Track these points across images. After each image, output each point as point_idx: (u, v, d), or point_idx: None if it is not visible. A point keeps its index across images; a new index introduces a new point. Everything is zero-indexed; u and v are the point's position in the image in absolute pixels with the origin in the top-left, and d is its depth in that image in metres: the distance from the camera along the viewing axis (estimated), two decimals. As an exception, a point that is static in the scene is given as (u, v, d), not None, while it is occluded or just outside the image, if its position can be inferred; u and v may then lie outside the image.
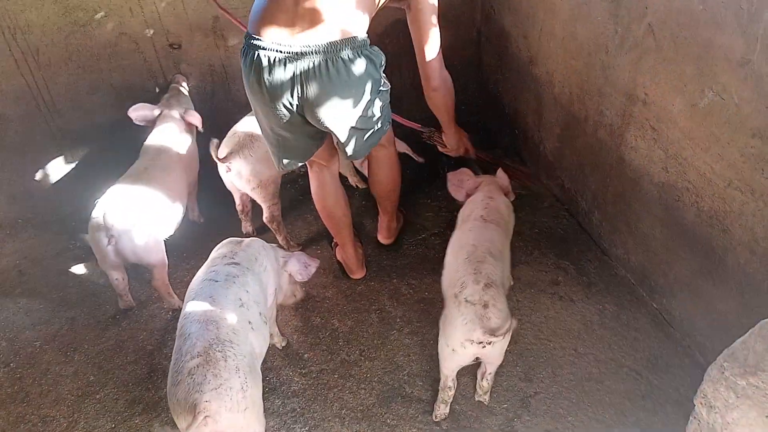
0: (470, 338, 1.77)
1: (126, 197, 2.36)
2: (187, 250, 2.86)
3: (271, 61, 1.84)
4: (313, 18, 1.83)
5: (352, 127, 2.04)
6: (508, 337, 1.84)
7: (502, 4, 3.05)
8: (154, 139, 2.68)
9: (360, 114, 2.01)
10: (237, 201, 2.81)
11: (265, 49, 1.84)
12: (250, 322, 1.80)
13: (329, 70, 1.86)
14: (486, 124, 3.55)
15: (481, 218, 2.15)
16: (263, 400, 2.11)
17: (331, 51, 1.84)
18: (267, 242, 2.19)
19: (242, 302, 1.82)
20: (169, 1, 2.81)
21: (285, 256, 2.20)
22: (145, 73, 2.96)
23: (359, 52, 1.89)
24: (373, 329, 2.41)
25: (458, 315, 1.81)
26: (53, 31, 2.72)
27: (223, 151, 2.54)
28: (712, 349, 2.08)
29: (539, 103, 2.89)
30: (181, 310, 2.49)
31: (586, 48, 2.40)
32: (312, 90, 1.88)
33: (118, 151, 2.66)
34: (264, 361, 2.26)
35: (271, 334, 2.24)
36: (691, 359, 2.19)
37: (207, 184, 2.97)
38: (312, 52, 1.83)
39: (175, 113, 2.75)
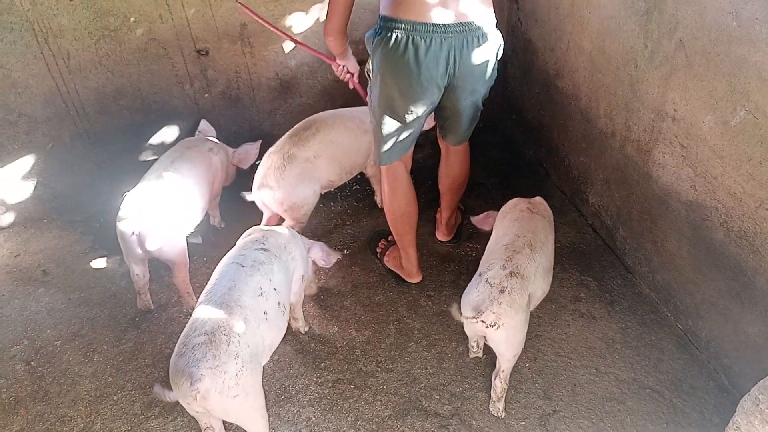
0: (474, 314, 1.87)
1: (154, 192, 2.41)
2: (208, 255, 2.88)
3: (427, 42, 1.95)
4: None
5: (475, 107, 2.24)
6: (513, 338, 1.93)
7: (529, 16, 3.03)
8: (187, 138, 2.77)
9: (484, 93, 2.21)
10: (265, 219, 2.77)
11: (422, 31, 1.94)
12: (265, 313, 1.85)
13: (479, 46, 2.02)
14: (510, 136, 3.53)
15: (527, 209, 2.22)
16: (279, 408, 2.14)
17: (478, 28, 2.00)
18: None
19: (262, 291, 1.88)
20: (198, 8, 2.85)
21: (308, 244, 2.30)
22: (173, 79, 3.00)
23: (493, 30, 2.06)
24: (390, 340, 2.39)
25: (474, 290, 1.92)
26: (84, 36, 2.77)
27: (258, 176, 2.59)
28: (739, 372, 2.04)
29: (565, 117, 2.86)
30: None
31: (615, 62, 2.37)
32: (461, 67, 2.03)
33: (142, 154, 2.69)
34: (280, 368, 2.28)
35: (296, 318, 2.39)
36: (717, 383, 2.13)
37: (228, 189, 2.99)
38: (464, 30, 1.97)
39: (225, 148, 2.88)
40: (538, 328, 2.38)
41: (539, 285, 2.05)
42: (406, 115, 2.15)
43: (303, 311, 2.44)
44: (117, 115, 3.02)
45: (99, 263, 2.87)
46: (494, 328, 1.85)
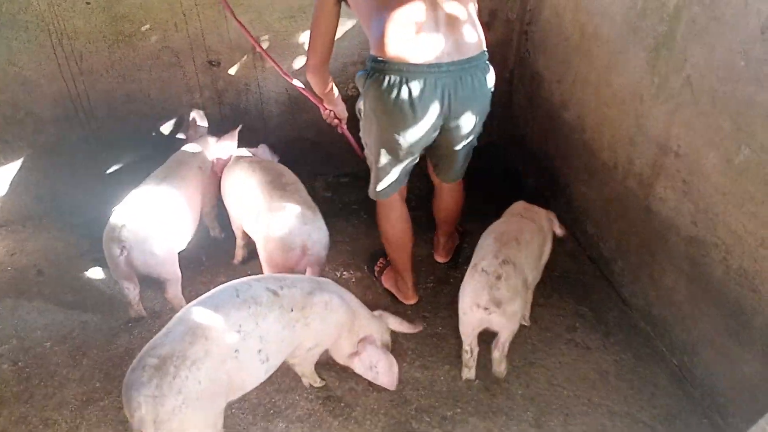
0: (477, 302, 1.99)
1: (143, 209, 2.36)
2: (205, 264, 2.87)
3: (422, 83, 1.92)
4: (456, 35, 1.93)
5: (471, 145, 2.24)
6: (514, 318, 2.05)
7: (538, 48, 3.08)
8: (177, 153, 2.73)
9: (479, 129, 2.19)
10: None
11: (415, 72, 1.91)
12: (236, 351, 1.71)
13: (473, 84, 2.00)
14: (512, 163, 3.55)
15: (518, 215, 2.35)
16: (267, 422, 2.11)
17: (471, 65, 1.98)
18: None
19: (240, 329, 1.74)
20: (212, 19, 2.89)
21: (367, 340, 2.06)
22: (183, 88, 3.02)
23: (487, 66, 2.06)
24: (383, 360, 2.37)
25: (471, 281, 2.03)
26: (98, 39, 2.80)
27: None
28: (734, 412, 2.02)
29: (568, 148, 2.89)
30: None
31: (621, 96, 2.40)
32: (456, 106, 2.01)
33: (147, 160, 2.70)
34: (271, 382, 2.24)
35: (302, 375, 2.23)
36: (710, 421, 2.11)
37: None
38: (458, 68, 1.94)
39: (213, 139, 2.84)
40: (532, 355, 2.37)
41: (529, 273, 2.18)
42: (400, 153, 2.13)
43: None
44: (125, 120, 3.03)
45: (95, 267, 2.86)
46: (497, 313, 1.98)
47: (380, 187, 2.29)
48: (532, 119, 3.26)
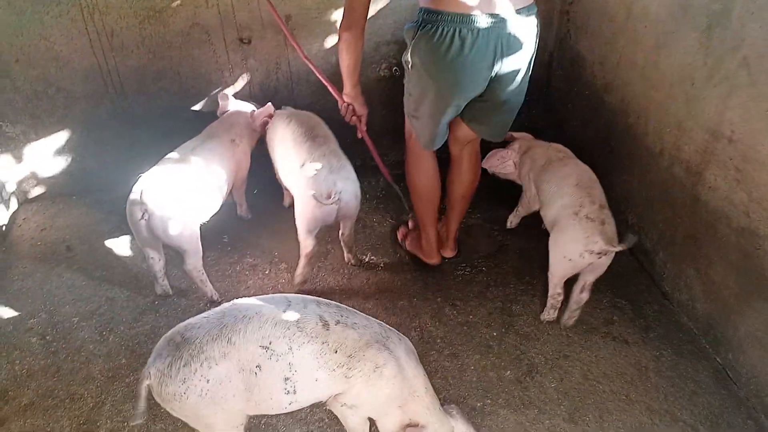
0: (591, 249, 2.09)
1: (168, 176, 2.34)
2: (232, 244, 2.84)
3: (474, 34, 1.90)
4: None
5: (519, 98, 2.20)
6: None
7: (580, 28, 2.95)
8: (212, 126, 2.70)
9: (526, 84, 2.16)
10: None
11: (468, 23, 1.89)
12: (258, 367, 1.56)
13: (524, 35, 1.97)
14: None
15: (561, 158, 2.50)
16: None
17: (523, 16, 1.95)
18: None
19: (269, 347, 1.56)
20: (244, -4, 2.82)
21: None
22: (213, 65, 2.98)
23: (534, 18, 2.01)
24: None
25: (580, 229, 2.13)
26: (129, 15, 2.76)
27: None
28: (784, 414, 1.91)
29: (609, 134, 2.77)
30: (213, 302, 2.48)
31: (669, 78, 2.27)
32: (507, 58, 1.98)
33: (177, 138, 2.66)
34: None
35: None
36: (756, 423, 2.00)
37: (255, 179, 2.95)
38: (509, 20, 1.92)
39: (244, 109, 2.78)
40: (567, 348, 2.28)
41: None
42: (448, 105, 2.11)
43: None
44: (155, 97, 3.00)
45: (123, 244, 2.85)
46: (607, 256, 2.12)
47: (423, 139, 2.28)
48: (572, 104, 3.13)
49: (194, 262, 2.41)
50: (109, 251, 2.82)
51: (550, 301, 2.35)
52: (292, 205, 2.99)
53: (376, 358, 1.61)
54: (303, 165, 2.35)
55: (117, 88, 2.94)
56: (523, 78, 2.11)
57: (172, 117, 3.06)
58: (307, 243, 2.43)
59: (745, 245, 1.98)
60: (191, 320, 1.64)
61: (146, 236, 2.31)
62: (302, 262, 2.48)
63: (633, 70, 2.51)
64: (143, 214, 2.23)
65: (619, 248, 2.05)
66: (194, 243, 2.39)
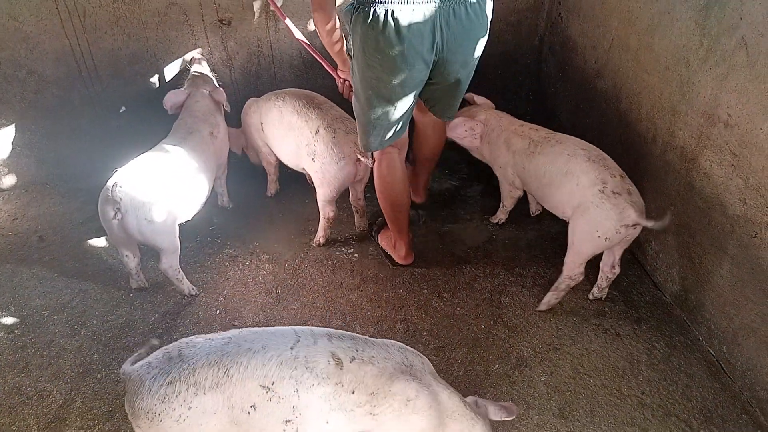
0: (626, 224, 2.03)
1: (144, 173, 2.21)
2: (211, 234, 2.75)
3: (409, 15, 1.79)
4: None
5: (467, 80, 2.08)
6: None
7: (572, 11, 2.86)
8: (183, 119, 2.55)
9: (475, 64, 2.05)
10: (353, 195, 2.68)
11: (402, 3, 1.78)
12: (253, 407, 1.42)
13: (468, 14, 1.86)
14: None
15: (545, 132, 2.41)
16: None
17: None
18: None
19: (271, 388, 1.42)
20: (223, -24, 2.71)
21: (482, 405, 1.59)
22: (191, 47, 2.87)
23: None
24: (396, 340, 2.22)
25: (611, 206, 2.04)
26: (103, -7, 2.64)
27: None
28: (781, 408, 1.85)
29: (601, 119, 2.69)
30: (192, 296, 2.39)
31: (663, 61, 2.19)
32: (449, 40, 1.87)
33: (154, 123, 2.56)
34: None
35: None
36: (751, 417, 1.94)
37: (235, 167, 2.85)
38: None
39: (204, 92, 2.64)
40: (557, 341, 2.21)
41: None
42: (393, 96, 1.97)
43: (311, 306, 2.23)
44: (130, 81, 2.89)
45: (98, 234, 2.73)
46: (640, 225, 2.05)
47: (372, 134, 2.12)
48: (563, 90, 3.05)
49: (170, 261, 2.30)
50: (83, 242, 2.71)
51: (565, 283, 2.24)
52: (275, 194, 2.94)
53: (405, 392, 1.47)
54: (317, 131, 2.40)
55: (91, 72, 2.82)
56: (473, 60, 2.01)
57: (149, 102, 2.94)
58: (328, 209, 2.55)
59: (740, 233, 1.91)
60: (195, 338, 1.51)
61: (119, 235, 2.19)
62: (323, 225, 2.61)
63: (626, 53, 2.43)
64: (116, 213, 2.11)
65: (649, 224, 2.00)
66: (171, 242, 2.27)
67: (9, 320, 2.31)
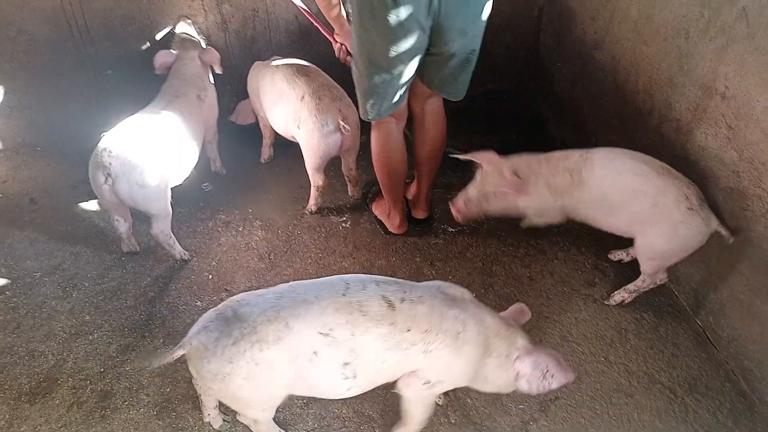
0: (713, 230, 1.93)
1: (133, 137, 2.17)
2: (204, 200, 2.73)
3: None
4: None
5: (469, 51, 2.01)
6: None
7: (572, -19, 2.83)
8: (170, 82, 2.52)
9: (480, 35, 1.99)
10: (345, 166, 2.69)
11: None
12: (315, 353, 1.47)
13: None
14: (535, 109, 3.33)
15: (579, 156, 2.15)
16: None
17: None
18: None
19: (329, 333, 1.46)
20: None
21: (522, 356, 1.58)
22: (185, 9, 2.81)
23: None
24: (389, 307, 2.24)
25: (701, 220, 1.92)
26: (94, -49, 2.58)
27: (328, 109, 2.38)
28: (761, 377, 1.89)
29: (598, 92, 2.67)
30: (184, 261, 2.38)
31: (663, 32, 2.18)
32: (447, 4, 1.81)
33: (147, 85, 2.51)
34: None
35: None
36: (734, 385, 1.98)
37: (230, 133, 2.82)
38: None
39: (193, 54, 2.60)
40: (546, 309, 2.23)
41: None
42: (390, 64, 1.93)
43: (302, 271, 2.24)
44: (123, 43, 2.83)
45: (89, 198, 2.71)
46: None
47: (370, 102, 2.08)
48: (561, 61, 3.02)
49: (162, 226, 2.29)
50: (75, 205, 2.69)
51: (645, 289, 2.19)
52: (269, 161, 2.92)
53: (454, 326, 1.53)
54: (303, 98, 2.40)
55: (83, 33, 2.76)
56: (473, 30, 1.94)
57: (142, 66, 2.88)
58: (316, 177, 2.55)
59: (732, 206, 1.92)
60: (244, 296, 1.54)
61: (111, 200, 2.17)
62: (314, 193, 2.62)
63: (625, 24, 2.41)
64: (106, 178, 2.09)
65: (720, 229, 1.92)
66: (163, 207, 2.26)
67: (1, 281, 2.30)
